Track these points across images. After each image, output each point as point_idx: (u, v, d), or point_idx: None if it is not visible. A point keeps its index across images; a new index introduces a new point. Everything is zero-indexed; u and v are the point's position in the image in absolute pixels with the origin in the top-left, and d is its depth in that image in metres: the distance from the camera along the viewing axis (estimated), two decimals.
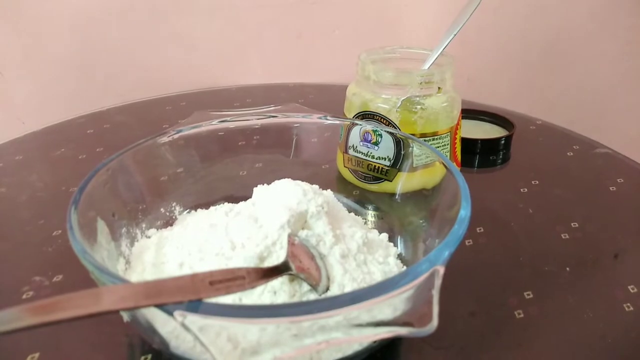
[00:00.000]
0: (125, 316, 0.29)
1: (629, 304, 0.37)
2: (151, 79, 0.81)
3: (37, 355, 0.33)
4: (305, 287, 0.32)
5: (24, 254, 0.42)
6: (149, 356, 0.32)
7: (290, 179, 0.40)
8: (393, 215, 0.44)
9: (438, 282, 0.25)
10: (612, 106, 0.87)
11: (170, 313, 0.23)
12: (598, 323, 0.35)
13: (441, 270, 0.26)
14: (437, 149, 0.49)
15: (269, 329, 0.23)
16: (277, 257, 0.33)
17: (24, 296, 0.38)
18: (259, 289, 0.31)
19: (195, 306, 0.23)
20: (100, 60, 0.79)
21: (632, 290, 0.38)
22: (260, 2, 0.79)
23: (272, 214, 0.35)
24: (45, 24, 0.73)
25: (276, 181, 0.40)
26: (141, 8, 0.76)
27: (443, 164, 0.37)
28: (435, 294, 0.24)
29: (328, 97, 0.78)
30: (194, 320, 0.22)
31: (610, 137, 0.67)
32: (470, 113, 0.65)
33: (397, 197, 0.45)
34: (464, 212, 0.31)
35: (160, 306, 0.23)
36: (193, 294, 0.23)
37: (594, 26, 0.81)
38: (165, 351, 0.29)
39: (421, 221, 0.41)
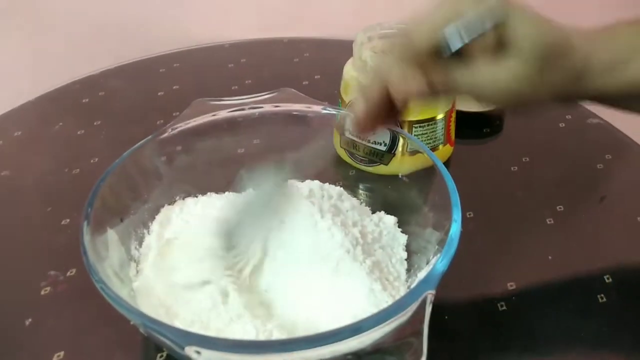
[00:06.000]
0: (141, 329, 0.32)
1: (602, 295, 0.40)
2: (142, 35, 0.80)
3: (62, 353, 0.36)
4: None
5: (37, 247, 0.45)
6: (164, 354, 0.36)
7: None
8: (394, 196, 0.46)
9: (428, 309, 0.28)
10: None
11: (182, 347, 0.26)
12: (574, 315, 0.39)
13: (432, 295, 0.29)
14: (433, 132, 0.50)
15: None
16: None
17: (42, 292, 0.40)
18: None
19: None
20: (89, 15, 0.77)
21: (607, 281, 0.41)
22: None
23: None
24: None
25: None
26: None
27: (435, 167, 0.38)
28: (425, 327, 0.26)
29: (323, 56, 0.77)
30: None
31: None
32: None
33: (398, 177, 0.46)
34: (455, 227, 0.33)
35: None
36: None
37: None
38: None
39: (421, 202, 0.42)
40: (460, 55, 0.30)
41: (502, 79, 0.29)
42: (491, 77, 0.30)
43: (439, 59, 0.30)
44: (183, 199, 0.44)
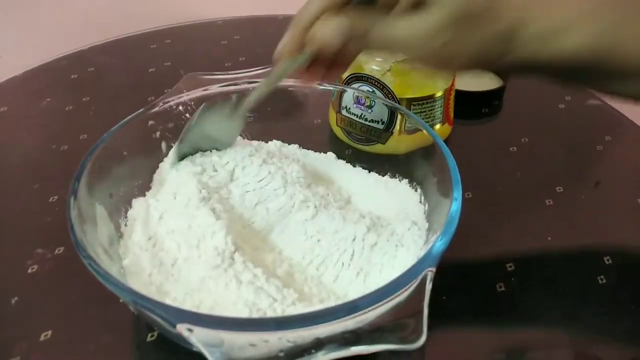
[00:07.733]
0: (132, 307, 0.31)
1: (602, 277, 0.39)
2: (134, 10, 0.77)
3: (49, 332, 0.35)
4: None
5: (24, 225, 0.43)
6: (155, 333, 0.35)
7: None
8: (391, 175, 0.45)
9: (428, 287, 0.27)
10: None
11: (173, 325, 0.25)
12: (573, 296, 0.38)
13: (431, 272, 0.28)
14: (431, 111, 0.49)
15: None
16: None
17: (29, 270, 0.39)
18: None
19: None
20: None
21: (607, 262, 0.40)
22: None
23: None
24: None
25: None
26: None
27: (435, 144, 0.37)
28: (425, 306, 0.26)
29: None
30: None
31: None
32: None
33: (395, 156, 0.45)
34: (455, 205, 0.32)
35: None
36: None
37: None
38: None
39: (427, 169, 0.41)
40: (373, 2, 0.31)
41: (419, 30, 0.29)
42: (408, 26, 0.29)
43: (355, 6, 0.31)
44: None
